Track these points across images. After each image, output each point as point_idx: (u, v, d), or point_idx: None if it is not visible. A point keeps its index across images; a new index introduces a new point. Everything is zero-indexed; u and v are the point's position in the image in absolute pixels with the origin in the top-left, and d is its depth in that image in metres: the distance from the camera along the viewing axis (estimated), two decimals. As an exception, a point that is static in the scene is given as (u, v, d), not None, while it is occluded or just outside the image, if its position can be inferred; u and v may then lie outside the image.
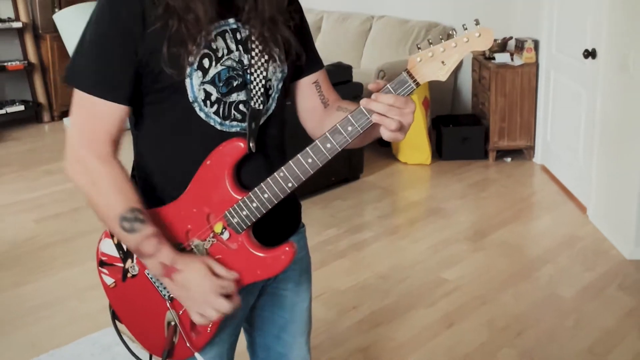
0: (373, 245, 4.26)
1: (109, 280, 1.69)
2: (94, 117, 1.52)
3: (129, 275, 1.66)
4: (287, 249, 1.56)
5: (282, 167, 1.50)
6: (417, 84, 1.45)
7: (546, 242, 4.27)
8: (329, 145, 1.47)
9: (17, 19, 7.06)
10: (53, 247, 4.27)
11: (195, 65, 1.50)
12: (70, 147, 1.54)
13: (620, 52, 4.00)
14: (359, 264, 4.02)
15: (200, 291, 1.51)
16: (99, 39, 1.50)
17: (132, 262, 1.64)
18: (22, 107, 7.09)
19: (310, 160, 1.48)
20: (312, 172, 1.50)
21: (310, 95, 1.77)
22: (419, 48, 1.47)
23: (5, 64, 6.95)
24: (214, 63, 1.53)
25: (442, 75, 1.46)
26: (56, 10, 7.04)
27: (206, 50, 1.51)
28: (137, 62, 1.49)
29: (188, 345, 1.64)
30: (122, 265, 1.66)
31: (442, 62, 1.44)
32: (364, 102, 1.46)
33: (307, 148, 1.48)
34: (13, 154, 6.26)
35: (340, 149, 1.48)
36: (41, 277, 3.88)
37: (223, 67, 1.54)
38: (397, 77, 1.45)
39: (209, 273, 1.51)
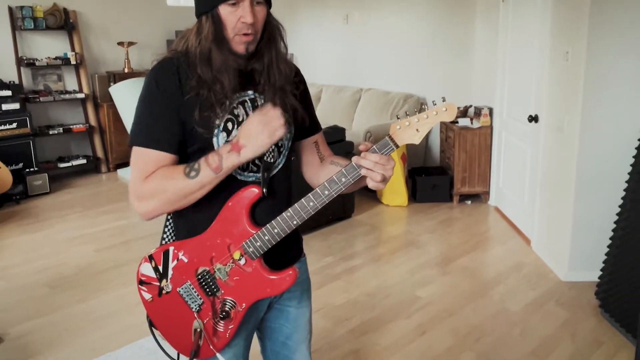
0: (362, 270, 4.26)
1: (147, 296, 1.70)
2: (147, 164, 1.52)
3: (163, 292, 1.67)
4: (290, 272, 1.58)
5: (289, 208, 1.53)
6: (397, 146, 1.48)
7: (498, 267, 4.28)
8: (326, 192, 1.50)
9: (81, 91, 7.10)
10: (109, 271, 4.27)
11: (221, 127, 1.53)
12: (133, 195, 1.54)
13: (557, 117, 4.04)
14: (351, 284, 4.01)
15: (255, 125, 1.47)
16: (148, 106, 1.53)
17: (167, 281, 1.65)
18: (84, 161, 7.09)
19: (311, 204, 1.51)
20: (313, 213, 1.53)
21: (310, 152, 1.79)
22: (398, 118, 1.50)
23: (71, 126, 6.97)
24: (235, 126, 1.54)
25: (416, 139, 1.49)
26: (111, 84, 7.07)
27: (229, 116, 1.54)
28: (182, 123, 1.52)
29: (211, 347, 1.66)
30: (158, 284, 1.67)
31: (417, 130, 1.48)
32: (355, 159, 1.49)
33: (309, 194, 1.51)
34: (77, 198, 6.25)
35: (335, 195, 1.51)
36: (100, 295, 3.89)
37: None
38: (381, 141, 1.48)
39: (251, 120, 1.47)
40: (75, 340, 3.34)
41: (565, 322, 3.46)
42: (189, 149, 1.57)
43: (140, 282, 1.71)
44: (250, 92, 1.59)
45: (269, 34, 1.58)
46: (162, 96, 1.51)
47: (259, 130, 1.47)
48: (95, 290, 3.97)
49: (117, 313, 3.64)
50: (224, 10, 1.49)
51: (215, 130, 1.53)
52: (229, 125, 1.54)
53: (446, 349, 3.20)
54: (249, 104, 1.58)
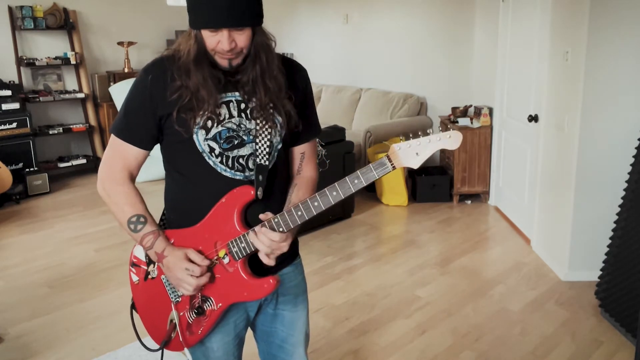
0: (362, 270, 4.26)
1: (135, 278, 1.75)
2: (116, 153, 1.65)
3: (149, 276, 1.70)
4: (270, 280, 1.56)
5: (277, 215, 1.53)
6: (394, 167, 1.44)
7: (498, 267, 4.28)
8: (316, 204, 1.50)
9: (81, 90, 7.12)
10: (109, 271, 4.28)
11: (200, 125, 1.56)
12: (99, 171, 1.67)
13: (557, 117, 4.04)
14: (350, 284, 4.01)
15: (175, 270, 1.57)
16: (129, 101, 1.61)
17: (154, 267, 1.68)
18: (84, 161, 7.10)
19: (299, 213, 1.51)
20: (299, 223, 1.52)
21: (294, 161, 1.79)
22: (401, 139, 1.46)
23: (71, 126, 6.99)
24: (215, 124, 1.57)
25: (415, 163, 1.44)
26: (111, 84, 7.10)
27: (210, 115, 1.56)
28: (157, 120, 1.59)
29: (181, 340, 1.67)
30: (146, 268, 1.71)
31: (417, 153, 1.43)
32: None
33: (299, 203, 1.51)
34: (78, 197, 6.25)
35: (325, 209, 1.51)
36: (100, 295, 3.89)
37: (223, 128, 1.58)
38: (380, 160, 1.45)
39: (184, 259, 1.56)
40: (75, 340, 3.35)
41: (565, 321, 3.46)
42: (171, 139, 1.62)
43: (132, 264, 1.76)
44: (237, 93, 1.61)
45: (255, 52, 1.57)
46: (145, 94, 1.58)
47: (175, 273, 1.58)
48: (95, 290, 3.97)
49: (117, 313, 3.63)
50: (205, 33, 1.52)
51: (194, 129, 1.56)
52: (208, 123, 1.57)
53: (446, 348, 3.20)
54: (235, 105, 1.60)
